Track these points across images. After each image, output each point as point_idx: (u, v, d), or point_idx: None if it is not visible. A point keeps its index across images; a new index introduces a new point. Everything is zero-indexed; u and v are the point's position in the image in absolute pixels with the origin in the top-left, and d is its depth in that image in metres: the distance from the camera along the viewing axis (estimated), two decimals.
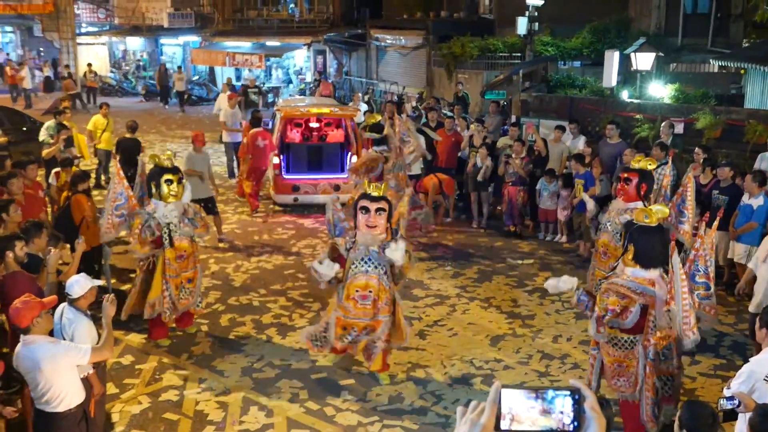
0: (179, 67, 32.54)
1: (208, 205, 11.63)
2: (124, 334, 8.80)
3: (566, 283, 6.61)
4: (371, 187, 7.51)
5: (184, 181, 8.62)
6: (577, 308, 6.81)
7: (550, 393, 1.41)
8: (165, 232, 8.27)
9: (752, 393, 4.89)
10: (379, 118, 13.05)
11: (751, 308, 8.06)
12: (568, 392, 1.42)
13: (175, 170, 8.53)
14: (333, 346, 7.64)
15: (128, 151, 13.28)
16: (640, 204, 8.21)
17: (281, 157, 14.52)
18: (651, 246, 6.26)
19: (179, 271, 8.42)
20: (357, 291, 7.35)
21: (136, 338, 8.76)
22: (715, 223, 6.90)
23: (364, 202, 7.35)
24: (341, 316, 7.46)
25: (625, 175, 8.48)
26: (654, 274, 6.28)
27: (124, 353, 8.37)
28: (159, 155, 8.82)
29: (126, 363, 8.15)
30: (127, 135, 13.99)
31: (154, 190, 8.42)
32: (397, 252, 7.20)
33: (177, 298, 8.44)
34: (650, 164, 8.48)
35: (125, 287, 10.26)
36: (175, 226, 8.34)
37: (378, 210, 7.29)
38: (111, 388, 7.40)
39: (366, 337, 7.49)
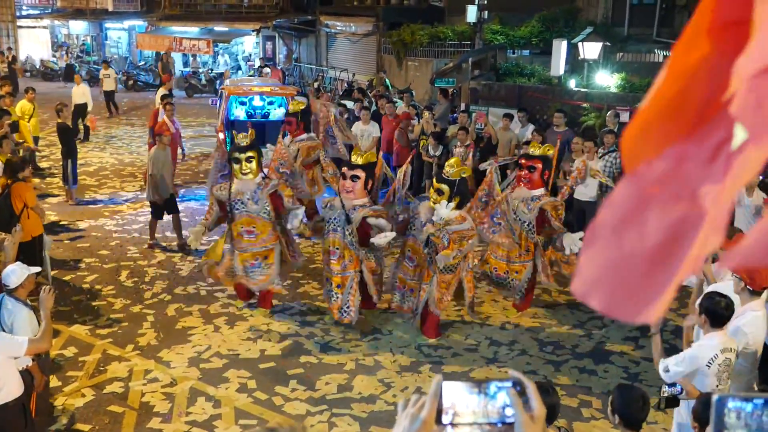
0: (105, 62, 26.53)
1: (171, 204, 11.35)
2: (68, 325, 8.62)
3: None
4: (354, 155, 8.43)
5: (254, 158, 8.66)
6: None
7: (493, 386, 1.39)
8: (229, 206, 8.53)
9: (692, 377, 4.95)
10: (302, 105, 12.83)
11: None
12: (510, 383, 1.40)
13: (245, 149, 8.61)
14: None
15: (62, 135, 13.69)
16: (543, 191, 8.47)
17: (225, 133, 14.81)
18: (462, 193, 7.98)
19: (246, 246, 8.61)
20: (330, 247, 8.31)
21: (79, 329, 8.58)
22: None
23: (343, 169, 8.38)
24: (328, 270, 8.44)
25: (529, 163, 8.59)
26: (464, 212, 7.97)
27: (67, 345, 8.18)
28: (240, 135, 8.78)
29: (69, 355, 7.96)
30: (59, 120, 13.75)
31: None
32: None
33: (244, 272, 8.61)
34: (549, 150, 8.85)
35: (67, 278, 10.06)
36: (242, 203, 8.50)
37: (352, 177, 8.15)
38: (54, 381, 7.24)
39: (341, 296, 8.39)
